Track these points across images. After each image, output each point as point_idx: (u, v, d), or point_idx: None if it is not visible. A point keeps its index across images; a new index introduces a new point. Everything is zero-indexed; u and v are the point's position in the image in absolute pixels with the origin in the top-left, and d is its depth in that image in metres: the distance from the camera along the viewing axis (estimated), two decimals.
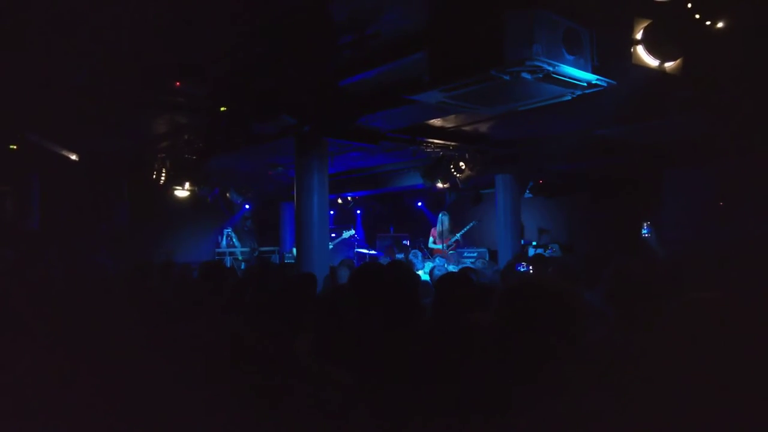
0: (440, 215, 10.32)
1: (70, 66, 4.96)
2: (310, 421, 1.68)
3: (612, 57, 3.82)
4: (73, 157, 7.66)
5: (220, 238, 11.57)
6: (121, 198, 9.46)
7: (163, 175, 8.04)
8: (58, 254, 7.09)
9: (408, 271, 2.87)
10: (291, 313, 2.19)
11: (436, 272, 5.35)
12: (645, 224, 4.89)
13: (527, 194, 10.11)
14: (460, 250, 10.37)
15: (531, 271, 4.60)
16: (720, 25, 3.11)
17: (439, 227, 10.25)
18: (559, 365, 1.37)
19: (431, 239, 10.41)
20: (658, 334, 1.51)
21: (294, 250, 10.15)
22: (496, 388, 1.41)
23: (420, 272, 8.20)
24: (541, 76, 3.79)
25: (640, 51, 3.56)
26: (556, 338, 1.38)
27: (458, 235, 10.16)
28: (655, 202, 8.40)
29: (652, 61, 3.58)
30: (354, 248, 11.55)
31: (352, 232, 11.36)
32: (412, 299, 2.48)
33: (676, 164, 7.99)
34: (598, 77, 3.89)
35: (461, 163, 8.28)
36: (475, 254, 10.04)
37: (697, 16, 3.08)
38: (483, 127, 7.42)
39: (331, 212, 12.25)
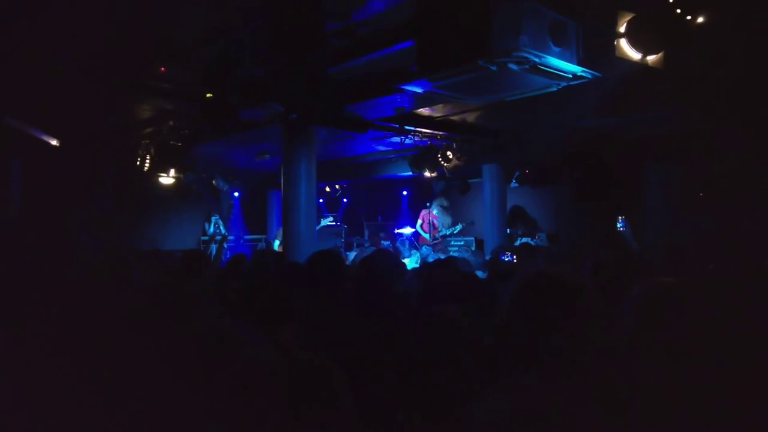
0: (436, 201, 10.19)
1: (52, 48, 4.87)
2: (302, 413, 1.69)
3: (597, 49, 3.87)
4: (54, 142, 7.53)
5: (207, 225, 11.50)
6: (105, 184, 9.34)
7: (148, 161, 7.95)
8: (40, 241, 7.00)
9: (378, 261, 2.85)
10: (280, 303, 2.20)
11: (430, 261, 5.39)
12: (620, 218, 4.98)
13: (513, 184, 10.19)
14: (446, 239, 10.40)
15: (515, 260, 4.67)
16: (700, 20, 3.17)
17: (436, 213, 10.09)
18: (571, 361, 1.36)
19: (420, 221, 10.32)
20: (621, 317, 1.57)
21: (276, 241, 10.16)
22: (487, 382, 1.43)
23: (407, 260, 8.25)
24: (527, 67, 3.83)
25: (624, 44, 3.61)
26: (569, 336, 1.36)
27: (445, 231, 10.09)
28: (635, 194, 8.53)
29: (634, 55, 3.63)
30: (342, 237, 11.58)
31: (331, 219, 11.39)
32: (379, 289, 2.48)
33: (658, 158, 8.11)
34: (584, 69, 3.94)
35: (449, 153, 8.32)
36: (462, 243, 10.10)
37: (678, 11, 3.13)
38: (470, 117, 7.45)
39: (321, 200, 12.24)
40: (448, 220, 10.26)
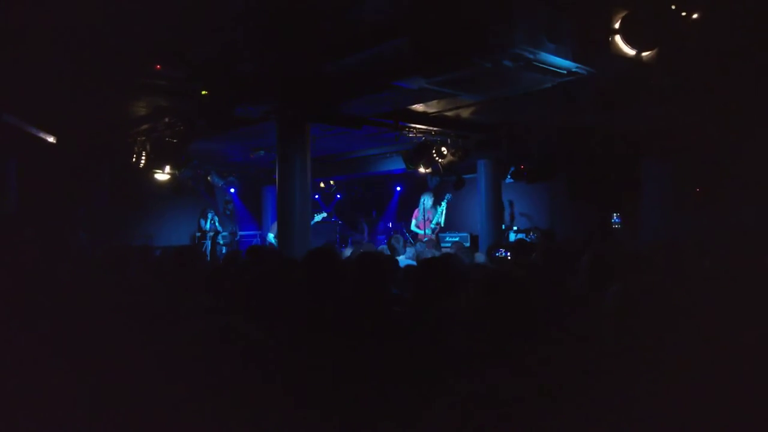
0: (423, 197, 10.20)
1: (49, 46, 4.85)
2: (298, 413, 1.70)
3: (591, 46, 3.88)
4: (51, 139, 7.49)
5: (203, 221, 11.48)
6: (100, 181, 9.30)
7: (143, 158, 7.93)
8: (36, 238, 6.97)
9: (371, 261, 2.85)
10: (277, 300, 2.20)
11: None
12: (615, 214, 5.05)
13: (508, 179, 10.20)
14: (441, 234, 10.36)
15: (509, 258, 4.69)
16: (695, 16, 3.18)
17: (421, 210, 10.13)
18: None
19: (413, 221, 10.35)
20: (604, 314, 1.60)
21: (270, 234, 10.16)
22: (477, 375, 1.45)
23: (401, 257, 8.25)
24: (522, 63, 3.84)
25: (618, 40, 3.62)
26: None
27: (437, 217, 10.04)
28: (631, 190, 8.56)
29: (629, 51, 3.64)
30: (337, 232, 11.60)
31: (325, 214, 11.43)
32: (373, 287, 2.48)
33: (654, 153, 8.14)
34: (578, 65, 3.95)
35: (443, 149, 8.32)
36: (457, 238, 10.11)
37: (673, 7, 3.14)
38: (465, 113, 7.46)
39: (316, 196, 12.24)
40: (434, 207, 10.22)
